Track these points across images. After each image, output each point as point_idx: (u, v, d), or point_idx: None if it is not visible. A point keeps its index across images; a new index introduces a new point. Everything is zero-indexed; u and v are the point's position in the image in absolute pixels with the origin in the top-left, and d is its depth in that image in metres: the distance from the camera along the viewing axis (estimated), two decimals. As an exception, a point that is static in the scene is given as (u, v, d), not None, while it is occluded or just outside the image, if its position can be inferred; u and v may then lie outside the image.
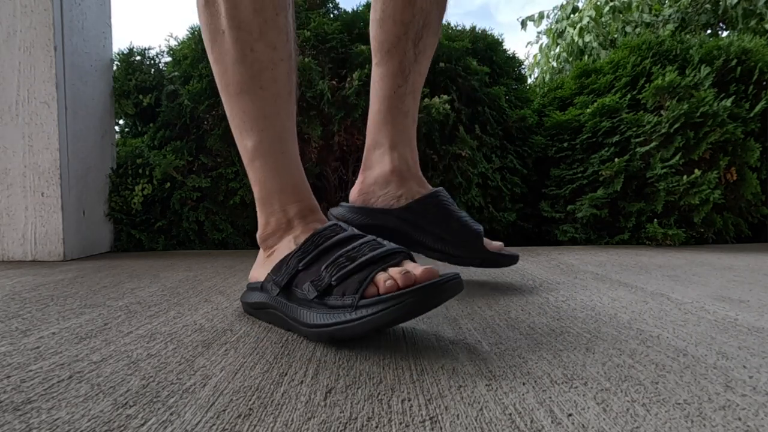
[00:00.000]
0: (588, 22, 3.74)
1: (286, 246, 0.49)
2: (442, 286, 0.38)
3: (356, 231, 0.48)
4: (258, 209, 0.53)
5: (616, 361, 0.37)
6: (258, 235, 0.54)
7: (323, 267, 0.43)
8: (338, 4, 1.40)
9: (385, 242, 0.45)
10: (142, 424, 0.27)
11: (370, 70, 1.22)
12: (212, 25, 0.49)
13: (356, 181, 0.70)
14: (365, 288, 0.39)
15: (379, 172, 0.68)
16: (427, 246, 0.67)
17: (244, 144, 0.52)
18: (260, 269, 0.52)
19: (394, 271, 0.40)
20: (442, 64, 1.32)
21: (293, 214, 0.51)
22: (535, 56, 4.65)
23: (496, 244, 0.70)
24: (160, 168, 1.24)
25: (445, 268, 0.63)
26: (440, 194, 0.69)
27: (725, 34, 3.31)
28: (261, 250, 0.54)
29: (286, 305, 0.45)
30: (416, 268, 0.40)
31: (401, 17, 0.63)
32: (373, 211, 0.67)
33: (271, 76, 0.49)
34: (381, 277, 0.40)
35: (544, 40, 4.48)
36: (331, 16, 1.37)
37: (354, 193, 0.70)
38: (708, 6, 3.25)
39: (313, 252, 0.45)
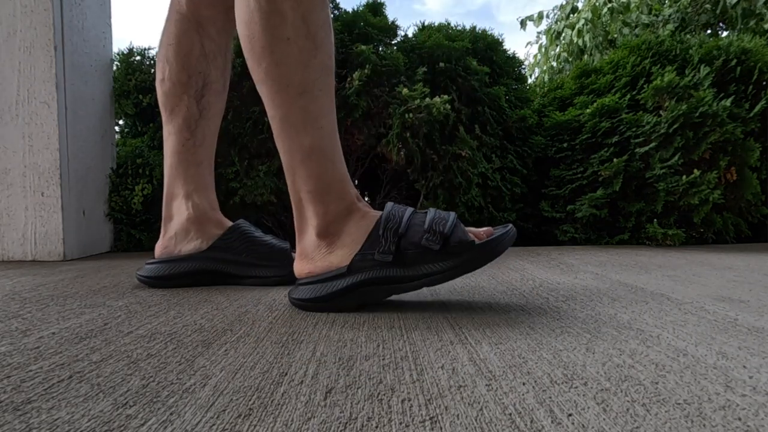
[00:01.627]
0: (584, 24, 3.74)
1: (357, 226, 0.55)
2: (511, 231, 0.54)
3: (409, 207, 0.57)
4: (311, 202, 0.56)
5: (616, 361, 0.37)
6: (316, 224, 0.56)
7: (428, 225, 0.52)
8: (338, 4, 1.40)
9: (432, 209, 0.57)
10: (142, 424, 0.27)
11: (370, 70, 1.22)
12: (275, 32, 0.52)
13: (160, 236, 0.75)
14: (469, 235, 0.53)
15: (178, 222, 0.73)
16: (240, 276, 0.72)
17: (300, 141, 0.54)
18: (328, 258, 0.55)
19: (473, 229, 0.55)
20: (442, 64, 1.32)
21: (350, 200, 0.56)
22: (535, 56, 4.65)
23: None
24: (160, 168, 1.24)
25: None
26: (240, 226, 0.74)
27: (725, 34, 3.31)
28: (313, 244, 0.56)
29: (395, 269, 0.52)
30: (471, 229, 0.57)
31: (178, 78, 0.71)
32: (181, 260, 0.71)
33: (328, 80, 0.56)
34: (474, 231, 0.55)
35: (544, 40, 4.48)
36: (331, 15, 1.37)
37: (158, 248, 0.74)
38: (708, 6, 3.25)
39: (402, 221, 0.53)
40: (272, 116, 0.55)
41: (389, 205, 0.56)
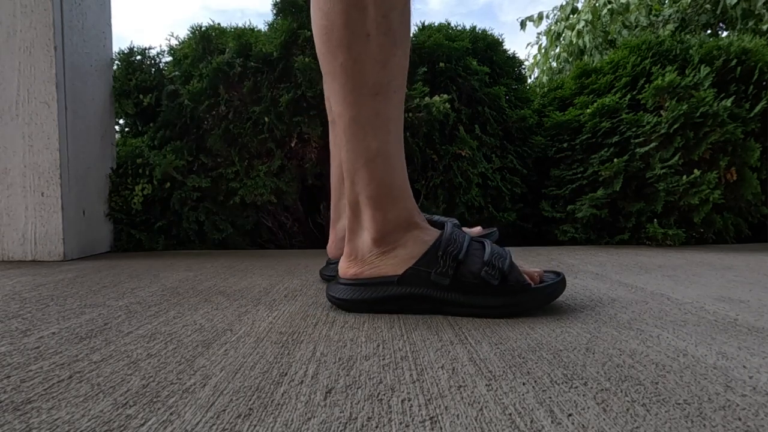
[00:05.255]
0: (584, 26, 3.75)
1: (415, 241, 0.54)
2: (564, 280, 0.56)
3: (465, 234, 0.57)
4: (370, 207, 0.54)
5: (616, 361, 0.37)
6: (374, 230, 0.55)
7: (488, 258, 0.52)
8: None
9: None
10: (142, 424, 0.27)
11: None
12: (355, 27, 0.50)
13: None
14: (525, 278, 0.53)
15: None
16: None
17: (367, 144, 0.53)
18: (380, 264, 0.54)
19: (527, 269, 0.56)
20: (442, 64, 1.32)
21: (410, 213, 0.55)
22: (534, 57, 4.65)
23: (475, 230, 0.74)
24: (160, 168, 1.24)
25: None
26: None
27: (725, 34, 3.31)
28: (366, 248, 0.55)
29: (448, 293, 0.52)
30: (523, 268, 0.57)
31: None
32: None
33: (402, 81, 0.54)
34: (527, 271, 0.55)
35: (544, 40, 4.48)
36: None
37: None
38: (708, 6, 3.25)
39: (463, 248, 0.53)
40: (340, 114, 0.53)
41: (449, 226, 0.56)
